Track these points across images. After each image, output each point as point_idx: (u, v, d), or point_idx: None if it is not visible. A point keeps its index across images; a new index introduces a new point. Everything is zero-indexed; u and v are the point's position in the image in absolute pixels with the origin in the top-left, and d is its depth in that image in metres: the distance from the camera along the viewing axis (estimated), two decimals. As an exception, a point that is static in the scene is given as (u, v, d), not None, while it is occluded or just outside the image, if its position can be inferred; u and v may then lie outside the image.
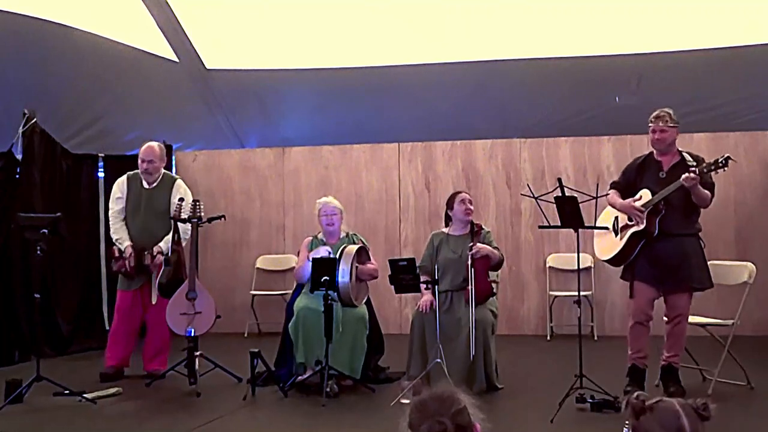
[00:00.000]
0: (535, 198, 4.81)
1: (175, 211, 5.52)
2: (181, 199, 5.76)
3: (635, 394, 1.72)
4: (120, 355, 5.72)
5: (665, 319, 4.87)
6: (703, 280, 4.80)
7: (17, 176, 6.83)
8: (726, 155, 4.54)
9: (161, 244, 5.63)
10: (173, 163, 8.27)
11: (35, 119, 6.80)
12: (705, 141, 7.38)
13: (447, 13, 7.04)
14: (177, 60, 7.59)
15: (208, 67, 7.78)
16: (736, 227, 7.31)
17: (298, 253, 5.74)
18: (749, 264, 5.16)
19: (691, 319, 5.20)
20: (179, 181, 5.88)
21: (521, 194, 7.17)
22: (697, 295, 5.21)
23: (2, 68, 6.58)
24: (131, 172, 5.89)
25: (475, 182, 7.78)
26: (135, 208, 5.76)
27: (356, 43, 7.41)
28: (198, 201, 5.65)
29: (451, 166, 7.88)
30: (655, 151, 4.90)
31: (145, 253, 5.58)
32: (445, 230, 5.53)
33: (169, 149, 8.15)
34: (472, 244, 5.13)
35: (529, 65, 7.38)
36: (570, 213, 4.63)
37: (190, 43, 7.45)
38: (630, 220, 4.77)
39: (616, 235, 4.87)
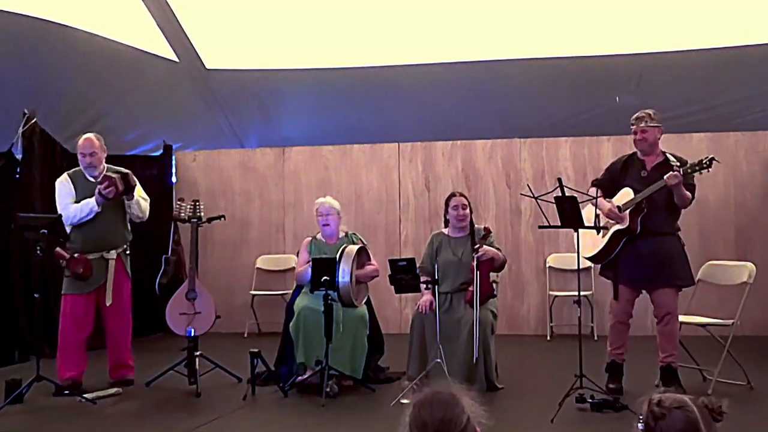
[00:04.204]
0: (535, 198, 4.81)
1: (175, 211, 5.51)
2: (181, 199, 5.76)
3: (656, 398, 1.73)
4: (76, 365, 5.34)
5: (656, 320, 4.89)
6: (686, 278, 4.87)
7: (17, 176, 6.83)
8: (710, 156, 4.62)
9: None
10: (173, 163, 8.28)
11: (35, 119, 6.80)
12: (705, 141, 7.38)
13: (447, 13, 7.04)
14: (177, 60, 7.59)
15: (208, 67, 7.77)
16: (736, 227, 7.32)
17: (298, 253, 5.74)
18: (749, 264, 5.16)
19: (691, 319, 5.22)
20: (124, 170, 5.50)
21: (521, 194, 7.16)
22: (698, 295, 5.24)
23: (2, 68, 6.58)
24: (70, 171, 5.51)
25: (475, 182, 7.78)
26: None
27: (356, 43, 7.41)
28: (198, 201, 5.65)
29: (451, 166, 7.88)
30: (638, 151, 4.99)
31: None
32: (445, 231, 5.53)
33: (169, 149, 8.18)
34: (478, 246, 5.14)
35: (529, 65, 7.37)
36: (570, 213, 4.63)
37: (190, 43, 7.45)
38: (612, 218, 4.84)
39: (599, 232, 4.89)
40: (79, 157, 5.41)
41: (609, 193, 4.94)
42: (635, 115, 4.94)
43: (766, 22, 6.74)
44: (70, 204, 5.34)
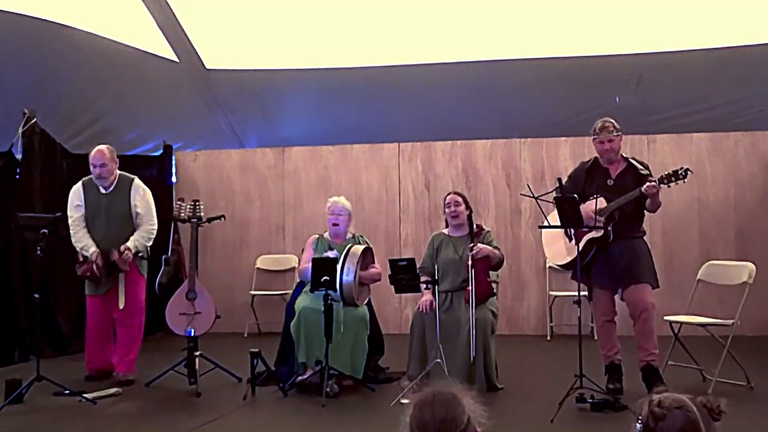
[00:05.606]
0: (535, 198, 4.81)
1: (175, 211, 5.52)
2: (181, 199, 5.76)
3: (656, 399, 1.73)
4: (101, 358, 5.62)
5: (632, 321, 4.88)
6: (652, 277, 4.92)
7: (17, 176, 6.83)
8: (686, 167, 4.68)
9: (128, 243, 5.42)
10: (173, 163, 8.28)
11: (35, 119, 6.80)
12: (705, 141, 7.39)
13: (447, 13, 7.04)
14: (177, 60, 7.59)
15: (208, 67, 7.77)
16: (736, 227, 7.32)
17: (302, 250, 5.74)
18: (749, 264, 5.16)
19: (691, 319, 5.22)
20: (137, 181, 5.65)
21: (521, 194, 7.16)
22: (698, 295, 5.24)
23: (2, 68, 6.58)
24: (86, 178, 5.64)
25: (475, 182, 7.78)
26: (95, 215, 5.55)
27: (356, 43, 7.41)
28: (198, 201, 5.65)
29: (451, 166, 7.88)
30: (600, 159, 5.02)
31: (112, 250, 5.39)
32: (446, 231, 5.55)
33: (169, 149, 8.18)
34: (472, 244, 5.14)
35: (529, 65, 7.38)
36: (570, 213, 4.64)
37: (190, 43, 7.45)
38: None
39: (571, 240, 4.90)
40: (91, 167, 5.55)
41: None
42: (600, 125, 4.95)
43: (766, 22, 6.74)
44: (75, 217, 5.56)
